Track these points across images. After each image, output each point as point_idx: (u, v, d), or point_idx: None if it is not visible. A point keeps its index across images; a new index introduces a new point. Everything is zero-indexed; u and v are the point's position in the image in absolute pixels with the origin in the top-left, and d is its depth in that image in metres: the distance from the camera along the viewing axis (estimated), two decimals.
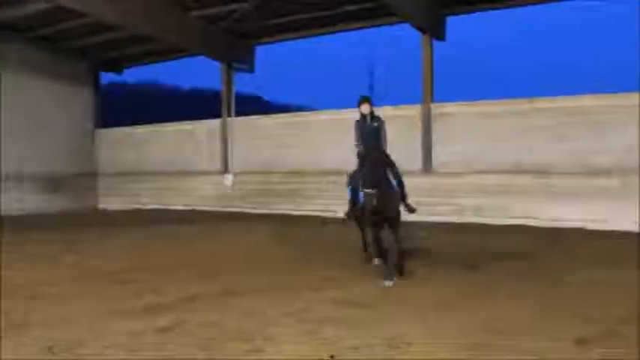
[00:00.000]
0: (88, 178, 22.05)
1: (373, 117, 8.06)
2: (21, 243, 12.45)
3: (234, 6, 16.92)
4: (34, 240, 12.86)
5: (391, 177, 7.60)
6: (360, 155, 8.20)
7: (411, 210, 7.91)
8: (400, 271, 7.58)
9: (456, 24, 15.88)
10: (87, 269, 9.19)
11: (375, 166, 7.20)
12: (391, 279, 7.26)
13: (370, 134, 8.06)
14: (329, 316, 5.98)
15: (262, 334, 5.44)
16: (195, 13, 17.50)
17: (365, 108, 8.03)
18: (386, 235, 7.72)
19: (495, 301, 6.41)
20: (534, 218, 13.09)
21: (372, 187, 7.03)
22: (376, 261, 8.26)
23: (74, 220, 17.12)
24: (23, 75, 19.91)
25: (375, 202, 6.96)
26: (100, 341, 5.40)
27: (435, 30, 15.43)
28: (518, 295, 6.66)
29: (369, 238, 8.15)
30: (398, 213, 7.55)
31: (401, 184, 7.84)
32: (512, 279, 7.60)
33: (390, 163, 7.79)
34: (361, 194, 7.60)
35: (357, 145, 8.34)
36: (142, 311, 6.40)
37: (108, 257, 10.45)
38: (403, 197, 7.85)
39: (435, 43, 15.58)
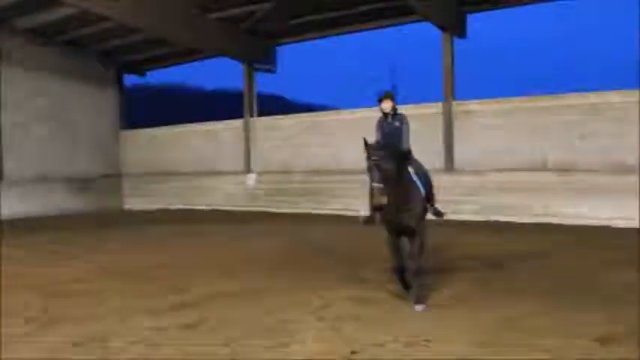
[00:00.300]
0: (113, 179, 22.39)
1: (395, 115, 6.98)
2: (50, 242, 12.74)
3: (254, 7, 17.06)
4: (63, 240, 13.13)
5: (412, 173, 6.56)
6: None
7: (438, 214, 6.98)
8: (413, 291, 6.43)
9: (476, 21, 15.84)
10: (114, 268, 9.39)
11: (386, 155, 6.07)
12: (420, 301, 6.26)
13: (392, 134, 6.97)
14: (349, 313, 6.06)
15: (283, 331, 5.54)
16: (216, 15, 17.68)
17: (387, 105, 6.96)
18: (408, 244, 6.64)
19: (517, 300, 6.42)
20: (558, 216, 12.98)
21: (381, 181, 5.94)
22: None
23: (100, 221, 17.43)
24: (50, 78, 20.32)
25: (382, 200, 5.87)
26: (126, 337, 5.56)
27: (455, 28, 15.39)
28: (540, 294, 6.64)
29: (390, 249, 6.74)
30: (419, 217, 6.43)
31: (427, 183, 6.81)
32: (534, 278, 7.58)
33: (410, 159, 6.78)
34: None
35: None
36: (167, 308, 6.56)
37: (134, 256, 10.66)
38: (429, 199, 6.79)
39: (456, 40, 15.53)
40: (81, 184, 20.85)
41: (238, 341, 5.31)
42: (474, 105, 15.23)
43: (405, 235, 6.57)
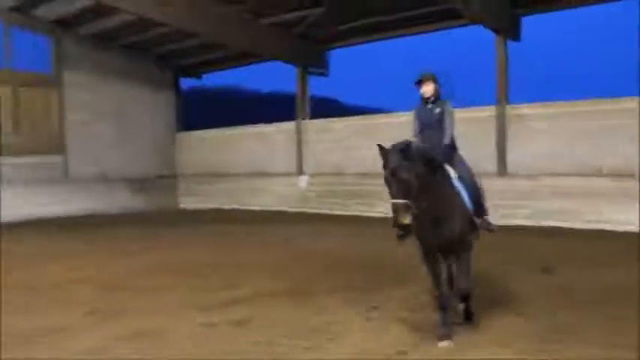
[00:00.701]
0: (169, 179, 23.01)
1: (437, 101, 5.93)
2: (107, 239, 13.26)
3: (306, 12, 17.27)
4: (122, 237, 13.62)
5: (453, 179, 5.48)
6: None
7: (489, 228, 5.85)
8: (468, 316, 5.73)
9: (530, 23, 15.60)
10: (169, 264, 9.73)
11: (409, 162, 4.84)
12: (446, 335, 5.20)
13: (432, 125, 5.91)
14: (398, 316, 6.10)
15: (328, 332, 5.65)
16: (269, 20, 17.99)
17: (427, 89, 5.90)
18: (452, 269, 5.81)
19: (566, 307, 6.35)
20: (611, 223, 12.66)
21: (402, 196, 4.77)
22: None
23: (156, 219, 17.96)
24: (111, 81, 21.09)
25: (405, 218, 4.70)
26: (178, 331, 5.82)
27: (509, 30, 15.21)
28: (590, 302, 6.55)
29: (429, 272, 5.60)
30: (461, 233, 5.30)
31: (475, 191, 5.73)
32: (586, 285, 7.44)
33: (452, 158, 5.75)
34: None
35: (414, 137, 6.01)
36: (218, 305, 6.79)
37: (188, 253, 11.00)
38: (477, 210, 5.67)
39: (510, 43, 15.35)
40: (138, 183, 21.53)
41: (281, 340, 5.47)
42: (528, 108, 15.00)
43: (444, 254, 5.55)
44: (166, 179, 22.76)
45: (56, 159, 19.80)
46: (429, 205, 5.00)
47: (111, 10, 17.08)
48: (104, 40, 20.41)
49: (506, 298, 6.73)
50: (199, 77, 24.47)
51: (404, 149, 4.87)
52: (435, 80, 5.94)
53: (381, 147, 4.97)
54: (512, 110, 15.06)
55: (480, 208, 5.77)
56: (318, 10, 17.04)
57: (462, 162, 5.87)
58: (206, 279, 8.40)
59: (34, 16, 18.80)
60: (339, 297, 7.02)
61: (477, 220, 5.65)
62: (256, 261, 9.91)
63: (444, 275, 5.61)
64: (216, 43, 19.32)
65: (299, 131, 19.88)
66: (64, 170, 19.94)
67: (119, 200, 20.56)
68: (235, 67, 23.17)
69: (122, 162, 21.24)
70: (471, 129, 15.31)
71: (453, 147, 5.91)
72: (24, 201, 17.92)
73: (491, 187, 14.02)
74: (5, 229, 15.17)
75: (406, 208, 4.71)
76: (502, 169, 15.03)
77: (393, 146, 4.92)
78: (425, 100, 5.97)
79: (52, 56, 19.81)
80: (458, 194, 5.41)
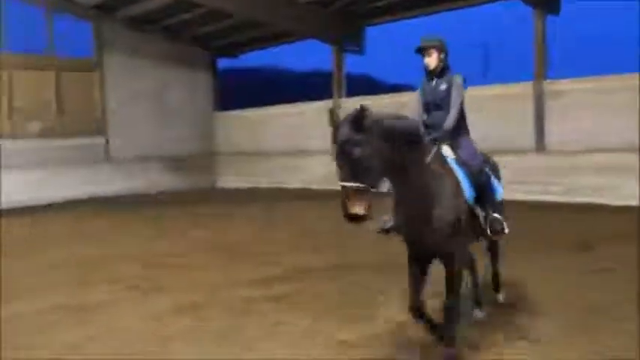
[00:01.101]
0: (207, 158, 23.39)
1: (443, 74, 4.82)
2: (154, 218, 13.66)
3: None
4: (161, 216, 14.00)
5: (449, 163, 4.41)
6: None
7: (495, 230, 4.61)
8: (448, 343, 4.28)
9: None
10: (209, 242, 10.02)
11: (366, 134, 3.70)
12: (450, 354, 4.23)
13: (438, 104, 4.84)
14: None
15: (368, 304, 5.82)
16: None
17: (430, 59, 4.78)
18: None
19: (603, 288, 6.32)
20: None
21: (352, 178, 3.71)
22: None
23: (195, 198, 18.35)
24: (149, 62, 21.47)
25: (356, 208, 3.68)
26: (218, 306, 6.08)
27: (548, 4, 14.93)
28: (628, 280, 6.51)
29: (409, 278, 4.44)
30: (451, 233, 4.14)
31: (486, 186, 4.66)
32: (625, 263, 7.31)
33: (458, 141, 4.68)
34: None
35: (417, 117, 4.94)
36: (260, 281, 7.02)
37: (228, 231, 11.27)
38: (483, 204, 4.57)
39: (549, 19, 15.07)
40: (177, 163, 21.96)
41: (324, 313, 5.66)
42: (566, 84, 14.77)
43: (429, 258, 4.36)
44: (204, 158, 23.15)
45: (98, 140, 20.33)
46: (407, 191, 4.10)
47: None
48: (143, 23, 20.75)
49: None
50: (236, 56, 24.70)
51: (356, 118, 3.70)
52: (440, 48, 4.77)
53: (332, 112, 3.87)
54: (549, 86, 14.85)
55: (485, 201, 4.62)
56: None
57: (469, 145, 4.77)
58: (245, 256, 8.64)
59: (75, 2, 19.23)
60: (379, 273, 7.05)
61: (481, 213, 4.55)
62: (296, 238, 10.10)
63: (426, 286, 4.42)
64: (252, 23, 19.44)
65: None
66: (105, 151, 20.48)
67: (158, 180, 21.02)
68: (272, 46, 23.31)
69: (161, 142, 21.67)
70: (508, 105, 15.21)
71: (458, 129, 4.76)
72: (66, 182, 18.51)
73: (530, 164, 14.10)
74: (51, 210, 15.76)
75: (359, 193, 3.68)
76: (540, 146, 14.87)
77: (354, 112, 3.74)
78: (430, 74, 4.86)
79: (93, 40, 20.27)
80: (450, 183, 4.25)
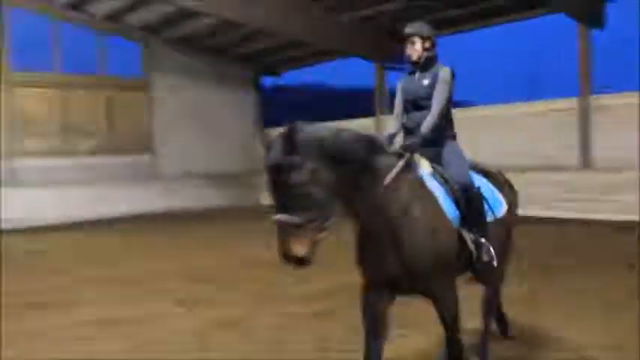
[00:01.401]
0: (251, 175, 23.68)
1: (428, 67, 4.10)
2: (193, 234, 13.94)
3: (384, 7, 17.33)
4: (205, 233, 14.27)
5: (425, 180, 3.64)
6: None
7: (479, 259, 3.75)
8: None
9: (614, 10, 14.98)
10: (251, 257, 10.17)
11: (309, 154, 3.13)
12: None
13: (420, 101, 4.09)
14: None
15: (409, 321, 5.83)
16: (346, 15, 18.19)
17: (411, 50, 4.09)
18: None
19: None
20: None
21: (291, 209, 3.08)
22: None
23: (239, 215, 18.59)
24: (195, 81, 22.01)
25: (297, 248, 3.14)
26: (259, 320, 6.19)
27: (592, 19, 14.73)
28: None
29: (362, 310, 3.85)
30: (430, 266, 3.43)
31: (473, 204, 3.77)
32: None
33: (447, 145, 4.04)
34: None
35: (395, 119, 4.32)
36: (299, 297, 7.11)
37: (270, 246, 11.40)
38: (471, 227, 3.72)
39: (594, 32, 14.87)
40: (222, 180, 22.33)
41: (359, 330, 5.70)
42: (612, 99, 14.52)
43: (399, 293, 3.68)
44: (248, 175, 23.46)
45: (145, 159, 20.90)
46: (365, 224, 3.45)
47: (194, 15, 17.84)
48: (189, 42, 21.32)
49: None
50: (278, 75, 25.07)
51: (288, 137, 3.11)
52: (424, 37, 4.06)
53: (262, 134, 3.11)
54: (595, 101, 14.62)
55: (474, 223, 3.75)
56: (392, 5, 17.02)
57: (454, 153, 4.05)
58: (286, 272, 8.69)
59: (124, 24, 19.92)
60: None
61: (469, 237, 3.67)
62: (335, 255, 10.15)
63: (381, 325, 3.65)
64: (294, 42, 19.75)
65: (378, 126, 20.01)
66: (152, 169, 21.02)
67: (203, 197, 21.37)
68: (314, 64, 23.58)
69: (206, 160, 22.10)
70: (553, 121, 14.99)
71: (441, 133, 4.01)
72: (114, 199, 19.02)
73: (574, 181, 13.87)
74: (103, 226, 16.23)
75: (299, 230, 3.03)
76: (586, 162, 14.61)
77: (287, 130, 3.16)
78: (412, 65, 4.14)
79: (141, 61, 20.93)
80: (424, 203, 3.48)
